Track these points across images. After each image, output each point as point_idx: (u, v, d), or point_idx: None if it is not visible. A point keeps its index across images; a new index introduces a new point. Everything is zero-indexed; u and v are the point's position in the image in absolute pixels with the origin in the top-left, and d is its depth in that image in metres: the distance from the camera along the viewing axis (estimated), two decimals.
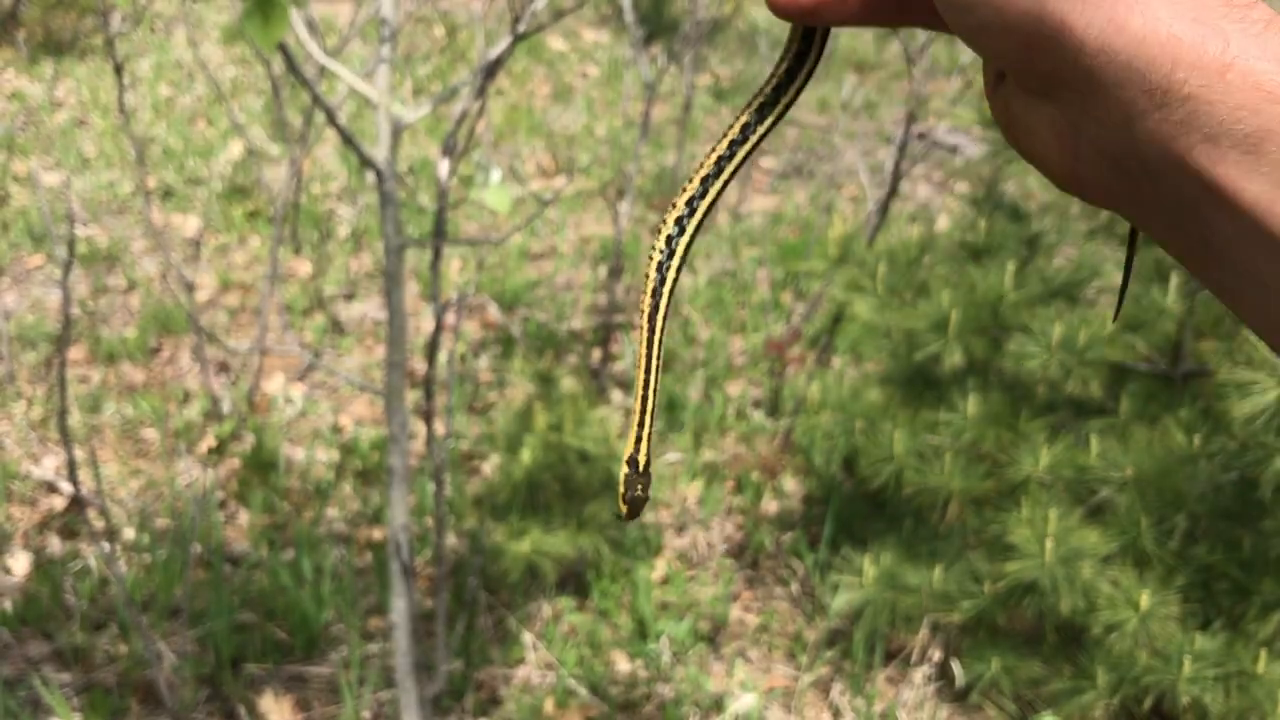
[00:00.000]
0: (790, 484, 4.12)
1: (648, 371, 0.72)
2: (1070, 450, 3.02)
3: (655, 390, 0.73)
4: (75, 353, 4.70)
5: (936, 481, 3.06)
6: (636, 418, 0.73)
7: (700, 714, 3.13)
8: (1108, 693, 2.88)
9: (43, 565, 3.46)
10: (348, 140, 2.18)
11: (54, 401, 4.19)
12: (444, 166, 2.16)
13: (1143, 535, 2.91)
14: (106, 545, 3.46)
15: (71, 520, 3.69)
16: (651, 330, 0.71)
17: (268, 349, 4.64)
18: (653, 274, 0.70)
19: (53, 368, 4.44)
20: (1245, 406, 2.63)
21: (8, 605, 3.28)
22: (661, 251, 0.71)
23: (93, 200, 5.92)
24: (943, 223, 5.94)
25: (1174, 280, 3.06)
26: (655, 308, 0.71)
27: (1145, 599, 2.78)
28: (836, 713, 3.18)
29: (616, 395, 4.67)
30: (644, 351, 0.71)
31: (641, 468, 0.73)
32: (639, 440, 0.73)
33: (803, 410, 4.15)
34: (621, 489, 0.73)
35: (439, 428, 3.64)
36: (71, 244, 2.44)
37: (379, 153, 2.17)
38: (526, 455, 3.39)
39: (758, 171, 6.89)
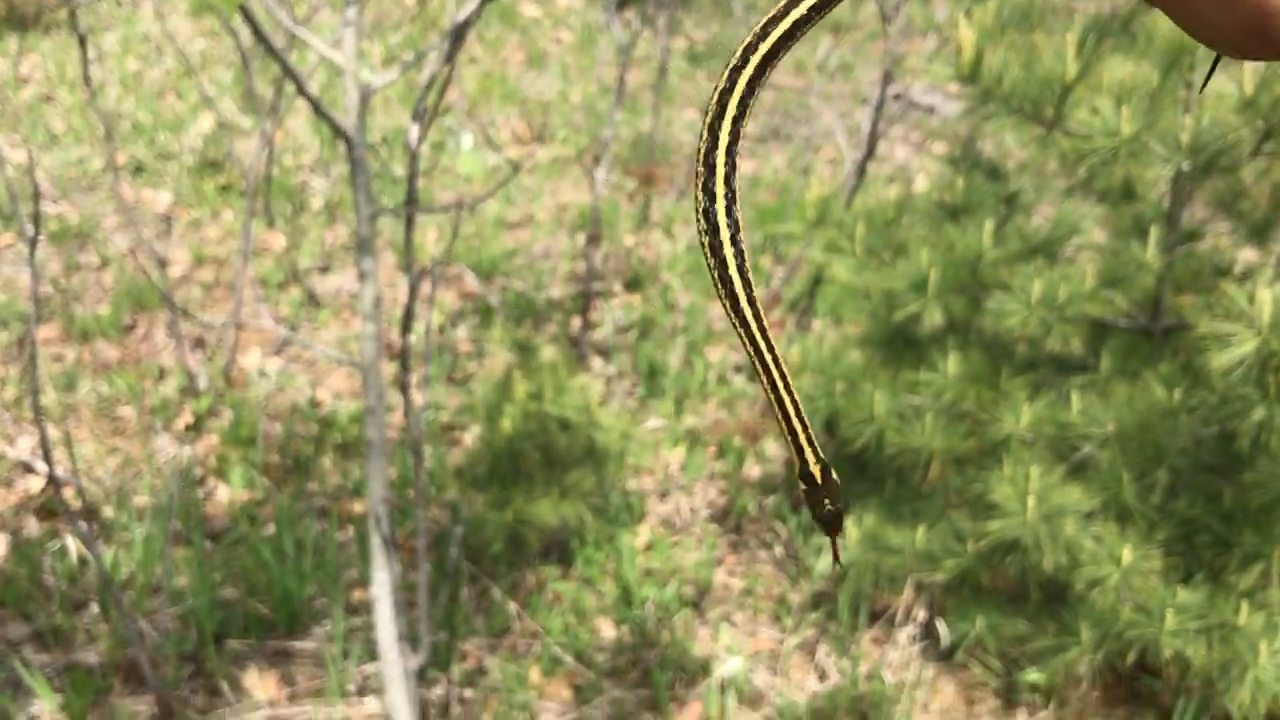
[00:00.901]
0: (772, 448, 4.11)
1: (766, 369, 0.61)
2: (1051, 407, 3.02)
3: (787, 385, 0.62)
4: (48, 331, 4.65)
5: (918, 441, 3.05)
6: (783, 425, 0.63)
7: (686, 678, 3.13)
8: (1091, 648, 2.89)
9: (20, 546, 3.42)
10: (317, 108, 2.14)
11: (28, 381, 4.14)
12: (413, 132, 2.13)
13: (1124, 491, 2.91)
14: (84, 525, 3.43)
15: (48, 500, 3.65)
16: (741, 319, 0.60)
17: (243, 323, 4.59)
18: (714, 262, 0.60)
19: (25, 347, 4.38)
20: (1224, 358, 2.63)
21: None
22: (705, 231, 0.60)
23: (62, 177, 5.84)
24: (920, 183, 5.92)
25: (1153, 234, 3.05)
26: (733, 297, 0.60)
27: (1127, 554, 2.79)
28: (823, 675, 3.19)
29: (597, 363, 4.65)
30: (750, 350, 0.61)
31: (819, 478, 0.63)
32: (800, 451, 0.63)
33: None
34: (809, 508, 0.63)
35: (417, 398, 3.61)
36: (37, 220, 2.39)
37: (348, 119, 2.13)
38: (507, 424, 3.37)
39: None
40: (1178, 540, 2.92)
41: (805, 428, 0.63)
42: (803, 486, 0.63)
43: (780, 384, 0.62)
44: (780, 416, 0.62)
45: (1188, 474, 2.98)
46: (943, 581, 3.12)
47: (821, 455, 0.63)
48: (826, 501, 0.62)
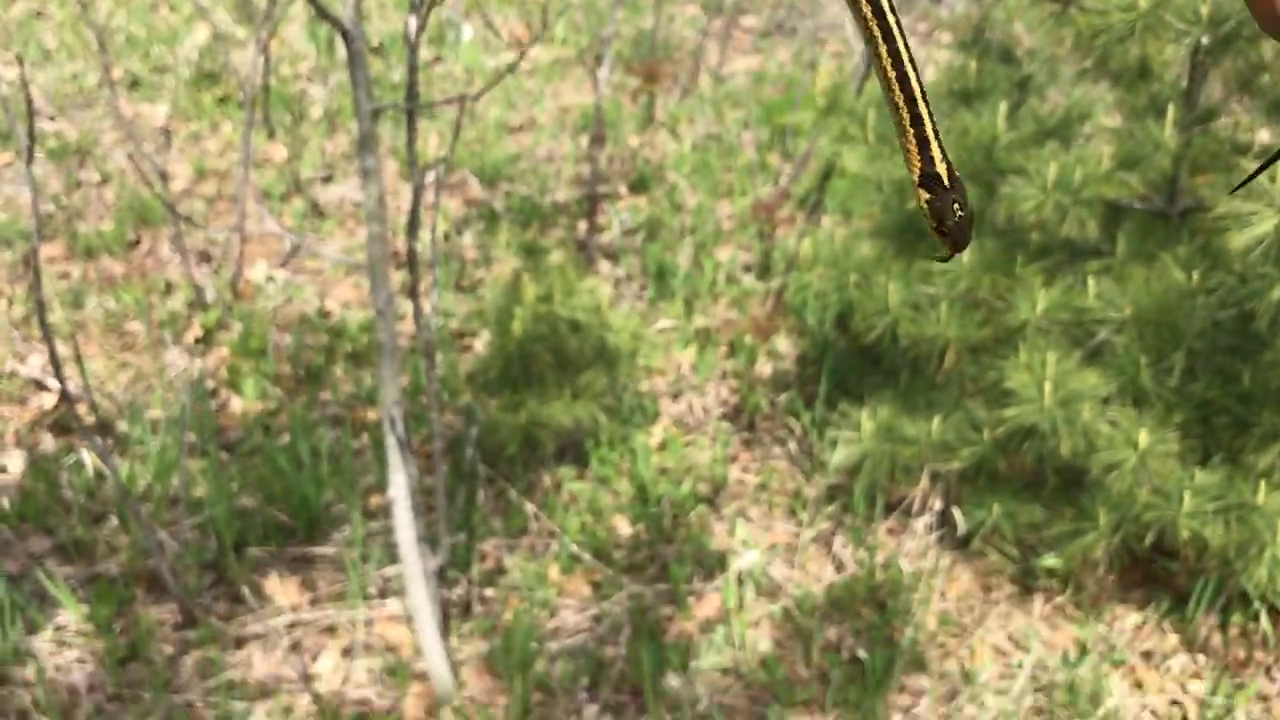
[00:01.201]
0: (784, 345, 4.09)
1: (888, 35, 0.51)
2: (1067, 293, 2.99)
3: (913, 61, 0.51)
4: (53, 249, 4.61)
5: (932, 331, 3.03)
6: (906, 115, 0.53)
7: (704, 572, 3.15)
8: (1108, 533, 2.90)
9: (37, 462, 3.43)
10: (314, 1, 2.08)
11: (34, 299, 4.12)
12: (411, 23, 2.07)
13: (1141, 374, 2.89)
14: (99, 439, 3.43)
15: (62, 416, 3.65)
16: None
17: (247, 236, 4.55)
18: None
19: (30, 264, 4.35)
20: (1243, 238, 2.58)
21: (5, 503, 3.27)
22: None
23: (58, 93, 5.76)
24: (929, 74, 5.81)
25: (1170, 114, 2.98)
26: None
27: (1144, 437, 2.78)
28: (840, 565, 3.21)
29: (604, 266, 4.61)
30: (868, 9, 0.51)
31: (947, 181, 0.54)
32: (925, 145, 0.53)
33: (795, 268, 4.10)
34: (932, 221, 0.54)
35: (425, 304, 3.59)
36: (31, 127, 2.35)
37: (344, 11, 2.07)
38: (517, 327, 3.35)
39: (738, 30, 6.70)
40: (1195, 422, 2.91)
41: (933, 118, 0.53)
42: (925, 196, 0.53)
43: (906, 57, 0.51)
44: (902, 100, 0.52)
45: (1205, 356, 2.95)
46: (958, 470, 3.12)
47: (947, 158, 0.53)
48: (956, 207, 0.54)
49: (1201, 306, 2.89)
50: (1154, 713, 2.82)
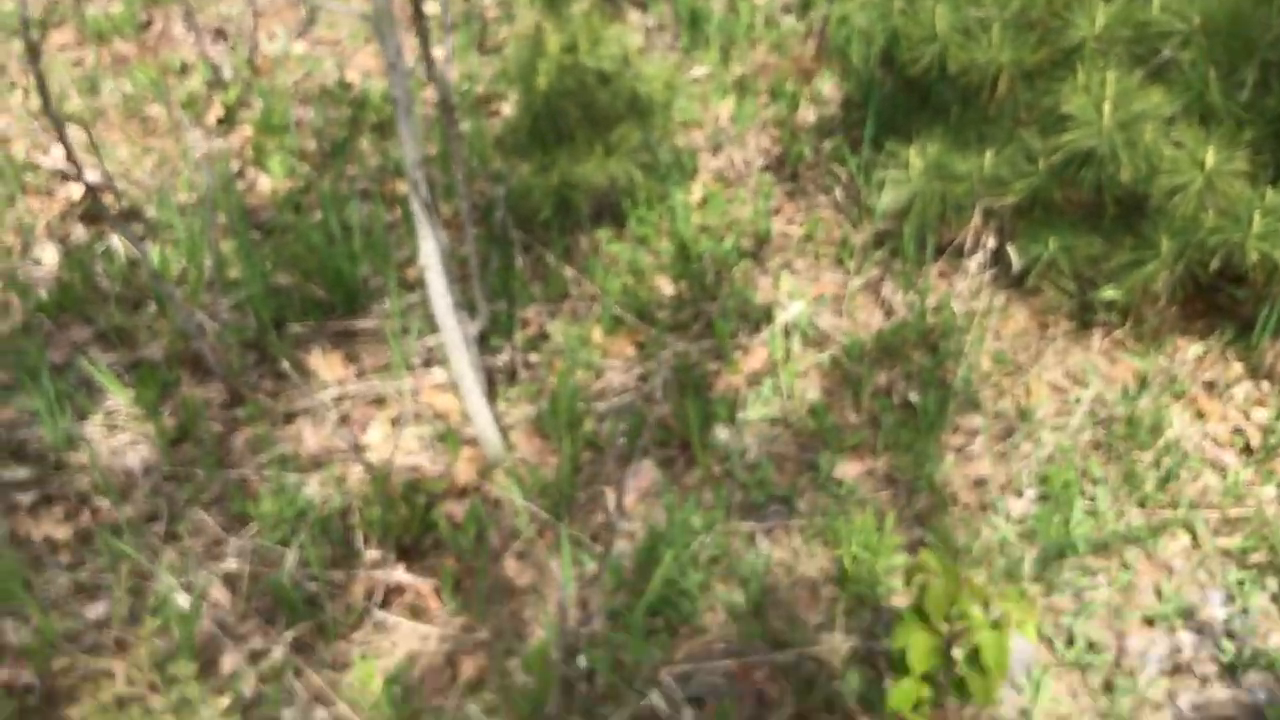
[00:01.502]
0: (827, 88, 3.89)
1: None
2: (1128, 6, 2.76)
3: None
4: (63, 35, 4.46)
5: (984, 57, 2.83)
6: None
7: (750, 326, 3.08)
8: (1171, 261, 2.76)
9: (70, 253, 3.39)
10: None
11: (49, 87, 4.00)
12: None
13: (1209, 90, 2.70)
14: (128, 226, 3.37)
15: (91, 206, 3.59)
16: None
17: (260, 9, 4.36)
18: None
19: (40, 51, 4.21)
20: None
21: (43, 294, 3.25)
22: None
23: None
24: None
25: None
26: None
27: (1211, 156, 2.61)
28: (889, 311, 3.12)
29: (634, 17, 4.37)
30: None
31: None
32: None
33: None
34: None
35: (439, 53, 3.41)
36: None
37: None
38: (542, 81, 3.18)
39: None
40: (1267, 139, 2.72)
41: None
42: None
43: None
44: None
45: None
46: (1012, 205, 2.97)
47: None
48: None
49: (1278, 13, 2.66)
50: (1215, 441, 2.75)
